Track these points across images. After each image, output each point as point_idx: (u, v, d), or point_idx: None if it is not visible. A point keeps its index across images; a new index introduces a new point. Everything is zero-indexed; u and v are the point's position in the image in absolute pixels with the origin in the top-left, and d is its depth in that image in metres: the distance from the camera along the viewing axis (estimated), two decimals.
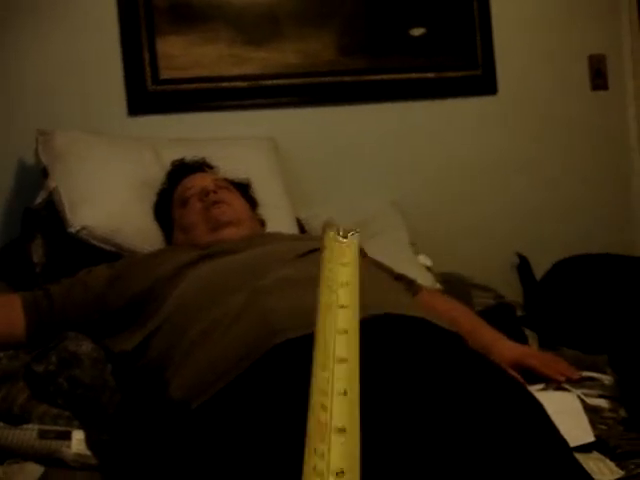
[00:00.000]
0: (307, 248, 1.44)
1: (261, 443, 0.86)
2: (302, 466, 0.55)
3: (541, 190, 2.75)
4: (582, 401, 1.35)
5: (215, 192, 1.78)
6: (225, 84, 2.52)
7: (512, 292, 2.41)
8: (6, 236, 2.20)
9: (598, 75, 2.82)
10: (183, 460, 0.96)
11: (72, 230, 1.85)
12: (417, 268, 2.13)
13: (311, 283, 1.23)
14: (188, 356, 1.20)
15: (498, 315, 1.77)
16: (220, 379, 1.05)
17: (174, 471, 0.98)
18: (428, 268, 2.22)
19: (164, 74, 2.47)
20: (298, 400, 0.68)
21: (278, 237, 1.76)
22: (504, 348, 1.53)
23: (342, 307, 0.80)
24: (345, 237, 0.98)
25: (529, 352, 1.56)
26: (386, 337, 1.05)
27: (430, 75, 2.68)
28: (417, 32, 2.67)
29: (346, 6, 2.61)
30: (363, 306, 1.13)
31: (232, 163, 2.06)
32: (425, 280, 1.99)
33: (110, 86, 2.44)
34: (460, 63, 2.70)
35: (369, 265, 1.56)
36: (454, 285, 2.09)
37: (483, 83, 2.73)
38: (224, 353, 1.10)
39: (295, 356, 0.89)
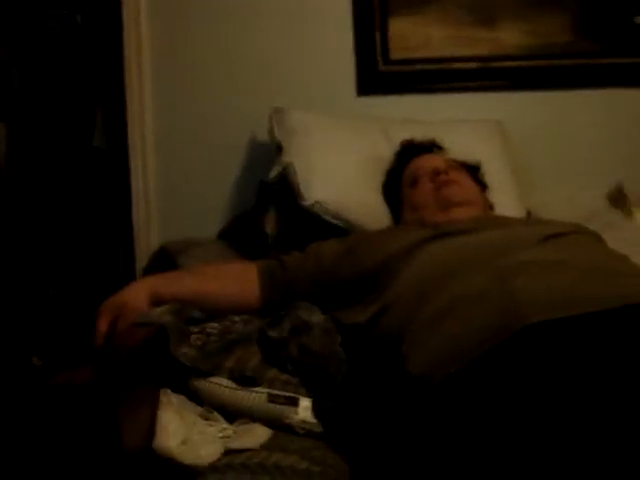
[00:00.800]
0: (549, 232, 1.39)
1: (510, 430, 0.83)
2: None
3: None
4: None
5: (446, 173, 1.78)
6: (455, 65, 2.49)
7: None
8: (239, 208, 2.31)
9: None
10: (420, 435, 0.95)
11: (306, 204, 1.90)
12: None
13: (561, 267, 1.20)
14: (426, 332, 1.19)
15: None
16: (460, 358, 1.03)
17: (406, 443, 0.98)
18: None
19: (394, 54, 2.47)
20: (555, 387, 0.65)
21: (510, 221, 1.72)
22: None
23: None
24: None
25: None
26: None
27: None
28: None
29: None
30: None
31: (460, 145, 2.03)
32: None
33: (341, 66, 2.47)
34: None
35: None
36: None
37: None
38: (467, 332, 1.08)
39: (550, 339, 0.85)
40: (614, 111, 2.52)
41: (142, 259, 2.31)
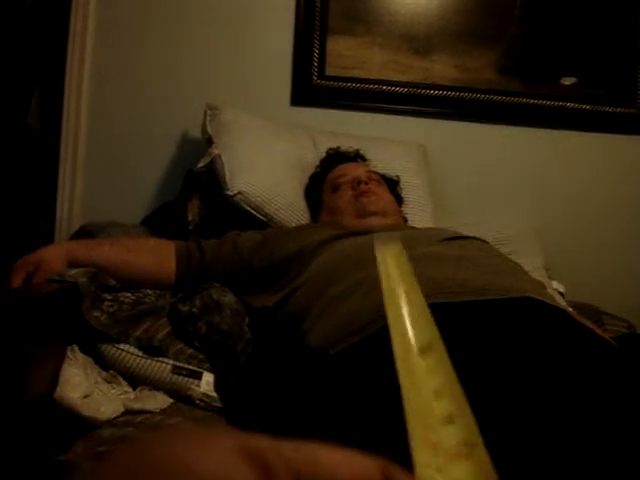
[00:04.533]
0: (452, 235, 1.48)
1: (389, 397, 0.89)
2: None
3: None
4: None
5: (366, 183, 1.85)
6: (386, 88, 2.58)
7: None
8: (165, 199, 2.34)
9: None
10: (314, 402, 1.00)
11: (229, 193, 1.93)
12: (550, 292, 2.11)
13: (457, 261, 1.28)
14: (328, 309, 1.24)
15: (629, 343, 1.73)
16: (360, 330, 1.08)
17: (302, 414, 1.02)
18: (561, 294, 2.20)
19: (330, 71, 2.56)
20: None
21: (420, 229, 1.81)
22: None
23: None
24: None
25: None
26: (526, 320, 1.06)
27: (585, 107, 2.65)
28: (577, 62, 2.67)
29: (510, 29, 2.63)
30: (504, 288, 1.17)
31: (383, 161, 2.14)
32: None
33: (278, 75, 2.55)
34: (618, 99, 2.66)
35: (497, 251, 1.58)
36: (585, 311, 2.05)
37: (639, 122, 2.68)
38: (364, 310, 1.13)
39: (438, 320, 0.91)
40: (530, 149, 2.65)
41: (62, 238, 2.32)
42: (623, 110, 2.66)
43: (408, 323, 0.68)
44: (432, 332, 0.61)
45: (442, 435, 0.46)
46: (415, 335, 0.63)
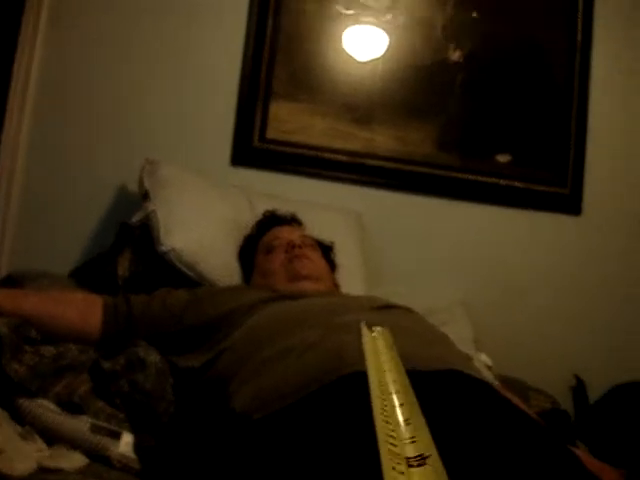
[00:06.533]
0: (383, 303, 1.50)
1: (318, 464, 0.87)
2: None
3: (616, 308, 2.72)
4: None
5: (300, 247, 1.86)
6: (326, 155, 2.63)
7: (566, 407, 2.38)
8: (98, 249, 2.29)
9: None
10: (235, 467, 0.98)
11: (162, 249, 1.92)
12: (478, 365, 2.14)
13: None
14: (256, 373, 1.24)
15: (553, 419, 1.76)
16: (285, 397, 1.08)
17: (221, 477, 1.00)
18: (489, 367, 2.22)
19: (271, 133, 2.60)
20: (360, 429, 0.71)
21: (348, 295, 1.82)
22: None
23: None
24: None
25: (587, 458, 1.53)
26: (450, 393, 1.07)
27: (518, 184, 2.73)
28: (512, 139, 2.77)
29: (450, 105, 2.72)
30: (427, 358, 1.18)
31: (319, 226, 2.15)
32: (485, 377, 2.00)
33: (219, 135, 2.58)
34: (550, 178, 2.75)
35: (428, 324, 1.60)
36: (511, 385, 2.08)
37: (569, 202, 2.76)
38: (293, 375, 1.14)
39: (362, 388, 0.92)
40: (465, 223, 2.72)
41: None
42: (555, 189, 2.75)
43: (401, 425, 0.75)
44: (426, 440, 0.67)
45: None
46: (407, 439, 0.69)
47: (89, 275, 2.06)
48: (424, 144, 2.69)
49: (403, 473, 0.57)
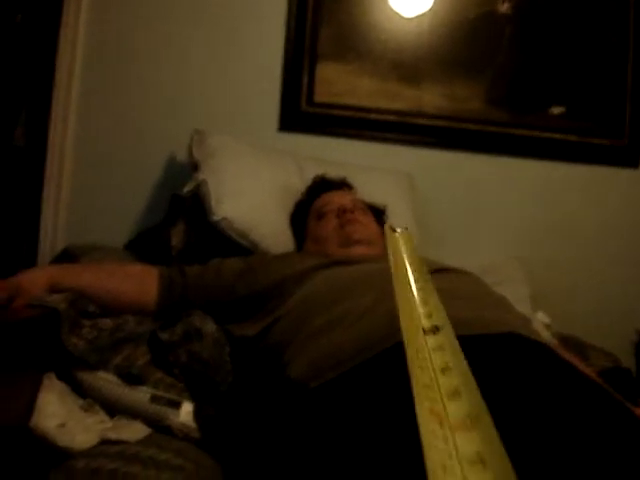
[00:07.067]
0: (437, 266, 1.48)
1: (376, 431, 0.87)
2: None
3: None
4: None
5: (352, 212, 1.84)
6: (374, 115, 2.60)
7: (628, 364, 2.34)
8: (150, 223, 2.33)
9: None
10: (294, 435, 0.98)
11: (215, 218, 1.93)
12: (536, 325, 2.10)
13: (441, 295, 1.27)
14: (311, 340, 1.24)
15: (615, 377, 1.72)
16: (341, 364, 1.08)
17: (284, 447, 1.00)
18: (547, 325, 2.19)
19: (318, 97, 2.57)
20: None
21: None
22: None
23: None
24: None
25: None
26: (507, 356, 1.05)
27: (572, 138, 2.67)
28: (565, 92, 2.69)
29: (499, 59, 2.65)
30: (487, 321, 1.16)
31: (369, 189, 2.12)
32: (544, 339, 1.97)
33: (266, 100, 2.56)
34: (606, 131, 2.68)
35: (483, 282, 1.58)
36: (570, 344, 2.05)
37: (626, 154, 2.69)
38: (348, 342, 1.13)
39: None
40: (517, 179, 2.66)
41: (45, 260, 2.30)
42: (611, 142, 2.68)
43: (418, 303, 0.80)
44: (441, 315, 0.72)
45: (448, 409, 0.51)
46: (424, 315, 0.75)
47: (143, 247, 2.08)
48: (473, 100, 2.64)
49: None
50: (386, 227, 1.18)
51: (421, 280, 0.91)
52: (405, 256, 1.00)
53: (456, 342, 0.63)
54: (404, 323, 0.73)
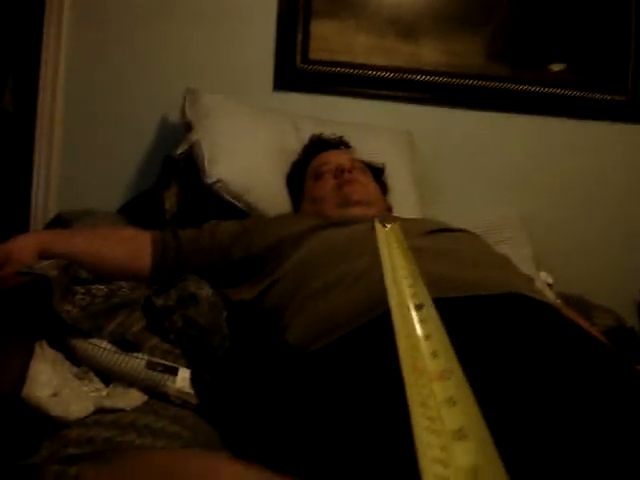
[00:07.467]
0: (438, 227, 1.44)
1: (372, 395, 0.86)
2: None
3: None
4: None
5: (350, 171, 1.80)
6: (371, 72, 2.55)
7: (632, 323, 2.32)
8: (143, 186, 2.28)
9: None
10: (293, 400, 0.97)
11: (208, 181, 1.89)
12: (539, 285, 2.08)
13: (439, 255, 1.25)
14: (308, 304, 1.21)
15: (619, 337, 1.71)
16: (339, 328, 1.06)
17: (281, 412, 0.99)
18: (549, 285, 2.16)
19: (313, 54, 2.52)
20: None
21: (400, 218, 1.76)
22: None
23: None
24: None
25: None
26: (514, 316, 1.03)
27: (574, 93, 2.62)
28: (566, 47, 2.64)
29: (498, 14, 2.59)
30: (490, 281, 1.13)
31: (368, 148, 2.08)
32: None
33: (260, 59, 2.51)
34: (607, 85, 2.63)
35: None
36: (574, 303, 2.02)
37: (629, 109, 2.64)
38: (345, 306, 1.11)
39: None
40: (518, 135, 2.62)
41: (37, 227, 2.27)
42: (613, 97, 2.63)
43: (405, 285, 0.98)
44: (425, 295, 0.89)
45: (429, 366, 0.70)
46: (410, 295, 0.93)
47: (137, 211, 2.04)
48: (472, 55, 2.58)
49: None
50: (376, 222, 1.29)
51: (408, 268, 1.06)
52: (395, 246, 1.14)
53: (437, 316, 0.79)
54: (392, 302, 0.91)
